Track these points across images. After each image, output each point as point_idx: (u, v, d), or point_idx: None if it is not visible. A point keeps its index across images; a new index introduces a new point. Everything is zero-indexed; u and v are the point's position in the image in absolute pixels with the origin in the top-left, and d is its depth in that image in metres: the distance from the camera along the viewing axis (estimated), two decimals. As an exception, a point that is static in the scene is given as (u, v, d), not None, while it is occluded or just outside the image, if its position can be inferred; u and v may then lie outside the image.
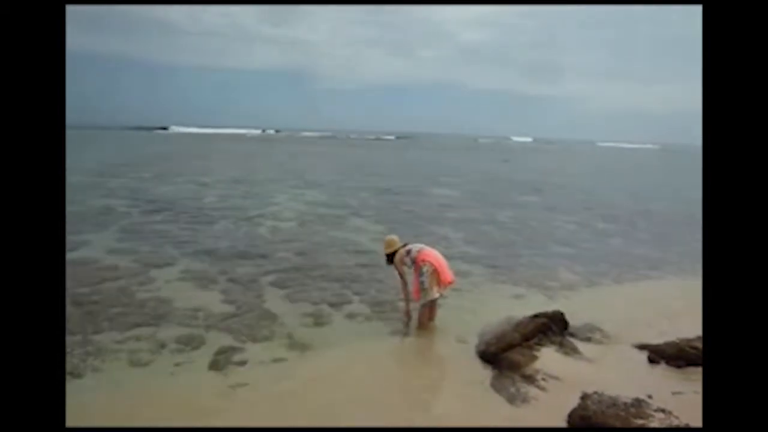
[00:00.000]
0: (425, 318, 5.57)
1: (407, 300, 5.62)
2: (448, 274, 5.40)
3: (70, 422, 3.47)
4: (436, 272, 5.32)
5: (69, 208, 11.73)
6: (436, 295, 5.42)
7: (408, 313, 5.64)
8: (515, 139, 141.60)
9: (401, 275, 5.59)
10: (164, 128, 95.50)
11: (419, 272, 5.38)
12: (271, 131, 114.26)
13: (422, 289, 5.38)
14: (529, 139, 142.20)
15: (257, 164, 28.75)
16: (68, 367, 4.49)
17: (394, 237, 5.72)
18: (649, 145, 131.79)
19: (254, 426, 3.66)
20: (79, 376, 4.40)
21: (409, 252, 5.48)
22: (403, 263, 5.53)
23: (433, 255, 5.40)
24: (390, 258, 5.62)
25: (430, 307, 5.56)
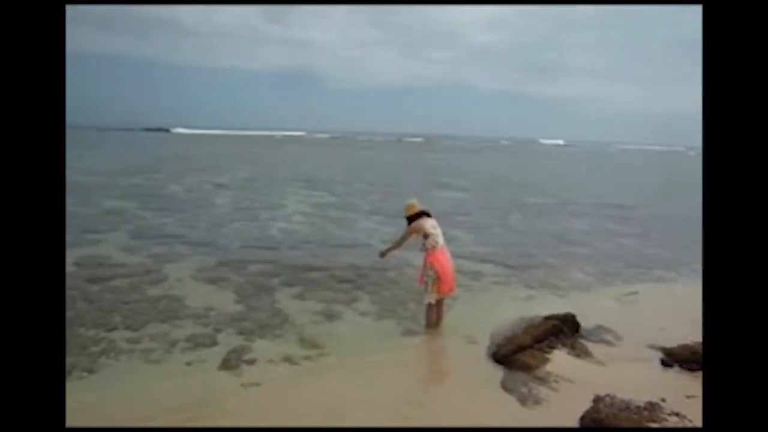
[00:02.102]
0: (432, 318, 5.55)
1: (390, 248, 5.76)
2: (448, 284, 5.40)
3: (80, 416, 3.56)
4: (438, 280, 5.32)
5: (82, 209, 11.95)
6: (433, 300, 5.43)
7: (384, 253, 5.79)
8: (543, 141, 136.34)
9: (404, 237, 5.58)
10: (166, 130, 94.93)
11: (426, 269, 5.40)
12: (301, 133, 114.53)
13: (425, 283, 5.42)
14: (560, 142, 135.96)
15: (275, 166, 28.93)
16: (81, 362, 4.57)
17: (413, 202, 5.65)
18: (678, 148, 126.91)
19: (263, 426, 3.66)
20: (92, 372, 4.46)
21: (426, 236, 5.40)
22: (415, 232, 5.47)
23: (441, 261, 5.36)
24: (409, 220, 5.58)
25: (437, 308, 5.54)
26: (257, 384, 4.29)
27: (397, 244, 5.66)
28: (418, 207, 5.57)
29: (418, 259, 5.64)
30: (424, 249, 5.42)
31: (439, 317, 5.60)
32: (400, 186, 19.59)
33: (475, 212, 14.00)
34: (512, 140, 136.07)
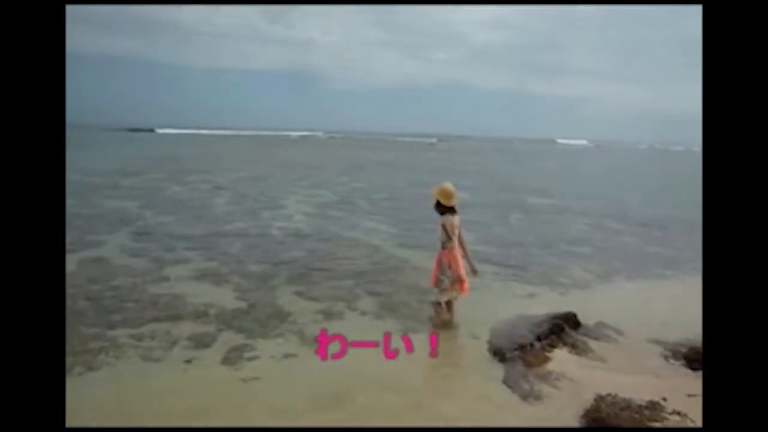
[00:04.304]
0: (446, 317, 5.54)
1: (466, 255, 5.38)
2: (466, 286, 5.38)
3: (81, 415, 3.56)
4: (458, 282, 5.31)
5: (83, 209, 11.94)
6: (446, 298, 5.43)
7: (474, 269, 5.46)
8: (561, 141, 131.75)
9: (446, 233, 5.22)
10: (152, 130, 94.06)
11: (441, 267, 5.33)
12: (319, 133, 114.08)
13: (440, 285, 5.37)
14: (584, 142, 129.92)
15: (275, 166, 28.87)
16: (82, 360, 4.56)
17: (453, 189, 5.19)
18: (695, 148, 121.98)
19: (263, 426, 3.67)
20: (92, 369, 4.46)
21: (449, 237, 5.28)
22: (448, 228, 5.19)
23: (459, 260, 5.32)
24: (441, 209, 5.21)
25: (449, 305, 5.53)
26: (257, 380, 4.30)
27: (459, 244, 5.30)
28: (454, 200, 5.18)
29: (417, 258, 5.60)
30: (444, 247, 5.33)
31: (451, 314, 5.58)
32: (401, 188, 19.58)
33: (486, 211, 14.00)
34: (524, 140, 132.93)
